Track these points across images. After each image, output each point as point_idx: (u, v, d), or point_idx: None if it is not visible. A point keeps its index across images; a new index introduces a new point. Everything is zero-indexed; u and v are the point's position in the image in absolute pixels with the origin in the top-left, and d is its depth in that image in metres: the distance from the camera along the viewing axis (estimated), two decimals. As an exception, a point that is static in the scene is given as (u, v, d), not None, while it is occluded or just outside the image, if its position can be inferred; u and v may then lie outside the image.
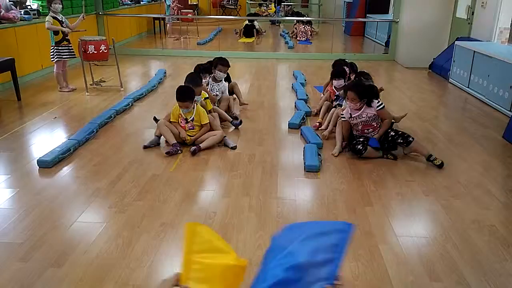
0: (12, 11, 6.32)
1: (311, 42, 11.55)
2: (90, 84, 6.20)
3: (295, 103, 5.46)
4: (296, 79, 6.86)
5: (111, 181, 3.36)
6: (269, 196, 3.17)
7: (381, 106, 3.85)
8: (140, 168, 3.58)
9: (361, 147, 3.76)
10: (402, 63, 8.46)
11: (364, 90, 3.84)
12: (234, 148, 4.00)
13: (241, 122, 4.68)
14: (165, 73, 7.22)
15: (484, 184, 3.41)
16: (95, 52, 5.84)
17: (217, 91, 5.04)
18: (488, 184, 3.41)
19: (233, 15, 15.72)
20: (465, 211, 2.98)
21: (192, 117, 4.06)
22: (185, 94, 3.96)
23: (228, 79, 5.44)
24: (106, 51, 5.93)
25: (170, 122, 4.12)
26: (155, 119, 4.49)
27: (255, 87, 6.53)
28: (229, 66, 5.12)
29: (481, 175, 3.58)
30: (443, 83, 7.03)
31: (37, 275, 2.26)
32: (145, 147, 3.96)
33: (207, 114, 4.22)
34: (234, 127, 4.64)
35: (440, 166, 3.63)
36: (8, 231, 2.68)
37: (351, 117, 3.87)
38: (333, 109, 4.62)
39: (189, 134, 4.05)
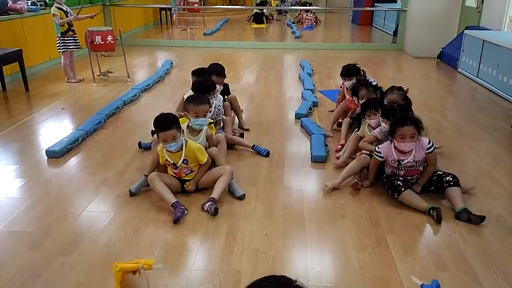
0: (19, 2, 6.33)
1: (313, 27, 11.77)
2: (98, 75, 6.22)
3: (302, 93, 5.43)
4: (303, 69, 6.82)
5: (119, 171, 3.38)
6: (276, 186, 3.18)
7: (432, 149, 2.90)
8: (147, 158, 3.58)
9: (400, 183, 2.83)
10: (410, 52, 8.38)
11: (418, 120, 2.91)
12: (241, 197, 2.97)
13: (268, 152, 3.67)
14: (171, 63, 7.21)
15: (492, 174, 3.38)
16: (102, 43, 5.84)
17: (223, 113, 3.84)
18: (497, 174, 3.38)
19: (240, 5, 15.65)
20: (473, 201, 2.96)
21: (182, 160, 2.91)
22: (167, 121, 2.82)
23: (226, 90, 4.31)
24: (113, 41, 5.94)
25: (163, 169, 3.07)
26: (140, 146, 3.77)
27: (262, 77, 6.51)
28: (225, 76, 4.10)
29: (489, 165, 3.55)
30: (451, 72, 6.96)
31: (47, 264, 2.29)
32: (131, 194, 2.98)
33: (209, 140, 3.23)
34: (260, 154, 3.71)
35: (481, 219, 2.67)
36: (17, 220, 2.71)
37: (399, 164, 2.89)
38: (354, 132, 3.69)
39: (188, 179, 3.01)
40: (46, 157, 3.60)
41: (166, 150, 2.89)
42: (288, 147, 3.93)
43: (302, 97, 5.32)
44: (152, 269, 1.53)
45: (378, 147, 3.01)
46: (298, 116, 4.58)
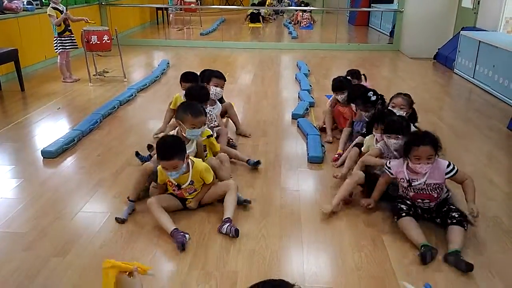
0: (15, 1, 6.30)
1: (312, 27, 12.04)
2: (94, 75, 6.20)
3: (298, 93, 5.44)
4: (299, 69, 6.83)
5: (115, 171, 3.37)
6: (272, 186, 3.17)
7: (454, 172, 2.58)
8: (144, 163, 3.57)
9: (404, 207, 2.58)
10: (406, 53, 8.40)
11: (436, 138, 2.58)
12: (247, 201, 2.87)
13: (259, 161, 3.43)
14: (168, 63, 7.20)
15: (488, 175, 3.39)
16: (98, 42, 5.82)
17: (214, 120, 3.63)
18: (493, 175, 3.40)
19: (237, 5, 15.64)
20: (469, 202, 2.97)
21: (189, 181, 2.71)
22: (169, 149, 2.56)
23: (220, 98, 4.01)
24: (109, 41, 5.92)
25: (164, 191, 2.85)
26: (138, 155, 3.47)
27: (258, 78, 6.51)
28: (225, 80, 3.93)
29: (485, 166, 3.56)
30: (448, 73, 6.99)
31: (42, 265, 2.28)
32: (121, 221, 2.67)
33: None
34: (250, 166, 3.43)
35: (468, 268, 2.25)
36: (12, 220, 2.69)
37: (410, 185, 2.60)
38: (355, 148, 3.38)
39: (190, 197, 2.82)
40: (42, 157, 3.58)
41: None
42: (285, 147, 3.92)
43: (298, 97, 5.33)
44: (146, 274, 1.56)
45: (389, 162, 2.73)
46: (294, 117, 4.58)
